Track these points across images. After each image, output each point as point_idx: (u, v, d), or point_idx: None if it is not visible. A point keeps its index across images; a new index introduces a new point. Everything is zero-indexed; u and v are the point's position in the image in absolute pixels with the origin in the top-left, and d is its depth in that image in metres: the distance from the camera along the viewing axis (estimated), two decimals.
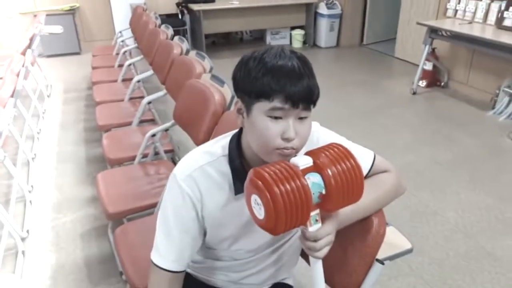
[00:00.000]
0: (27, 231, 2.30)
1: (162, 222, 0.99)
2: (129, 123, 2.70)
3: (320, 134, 1.02)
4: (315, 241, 0.84)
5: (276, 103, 0.82)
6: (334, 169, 0.81)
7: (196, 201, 0.95)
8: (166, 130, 2.30)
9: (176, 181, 0.95)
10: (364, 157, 1.04)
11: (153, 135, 2.24)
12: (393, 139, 3.45)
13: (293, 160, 0.83)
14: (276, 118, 0.84)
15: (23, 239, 2.23)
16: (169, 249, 0.98)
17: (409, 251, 1.20)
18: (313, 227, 0.84)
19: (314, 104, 0.87)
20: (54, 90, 4.62)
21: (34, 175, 2.90)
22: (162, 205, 1.00)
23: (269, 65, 0.83)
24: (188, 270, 1.16)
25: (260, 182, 0.76)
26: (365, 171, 1.03)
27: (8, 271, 2.04)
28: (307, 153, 0.85)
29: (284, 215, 0.75)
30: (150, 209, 1.85)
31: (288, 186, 0.75)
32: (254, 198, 0.79)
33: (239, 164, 0.95)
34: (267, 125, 0.84)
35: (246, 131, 0.92)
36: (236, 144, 0.96)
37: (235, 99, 0.93)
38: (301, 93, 0.82)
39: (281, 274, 1.19)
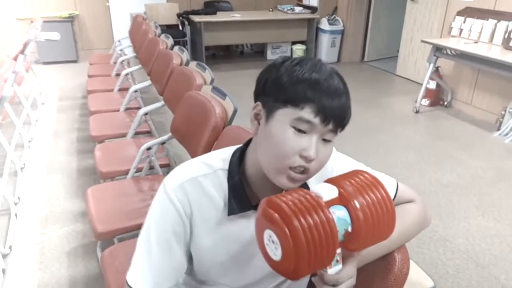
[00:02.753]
0: (10, 247, 2.15)
1: (143, 239, 0.84)
2: (124, 135, 2.57)
3: (336, 161, 0.91)
4: (334, 285, 0.72)
5: (305, 113, 0.73)
6: (363, 200, 0.68)
7: (185, 217, 0.82)
8: (163, 143, 2.17)
9: (165, 191, 0.82)
10: (386, 184, 0.92)
11: (149, 148, 2.12)
12: (396, 158, 3.34)
13: (315, 189, 0.70)
14: (300, 131, 0.74)
15: (4, 256, 2.08)
16: (147, 270, 0.83)
17: None
18: (333, 269, 0.72)
19: (343, 127, 0.77)
20: (48, 98, 4.49)
21: (21, 186, 2.75)
22: (147, 218, 0.85)
23: (306, 75, 0.74)
24: None
25: (276, 215, 0.63)
26: None
27: None
28: (327, 181, 0.73)
29: (306, 256, 0.62)
30: None
31: (310, 220, 0.62)
32: (268, 234, 0.65)
33: (239, 181, 0.83)
34: (288, 136, 0.74)
35: (258, 141, 0.80)
36: (239, 158, 0.85)
37: (255, 103, 0.81)
38: (335, 109, 0.73)
39: None
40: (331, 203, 0.68)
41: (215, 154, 0.89)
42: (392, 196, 0.91)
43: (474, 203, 2.74)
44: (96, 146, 2.38)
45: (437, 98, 4.59)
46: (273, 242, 0.65)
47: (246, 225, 0.85)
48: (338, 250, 0.71)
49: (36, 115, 3.85)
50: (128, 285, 0.84)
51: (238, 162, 0.84)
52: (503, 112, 3.85)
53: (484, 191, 2.89)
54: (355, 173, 0.75)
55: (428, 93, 4.50)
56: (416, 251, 2.24)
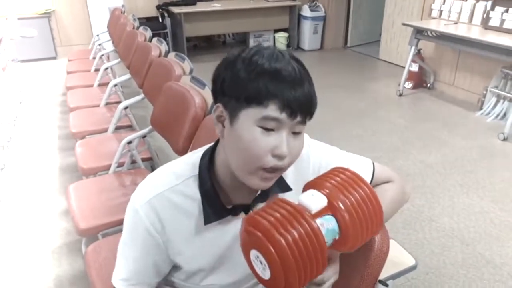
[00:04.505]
0: None
1: (121, 247, 0.85)
2: (105, 130, 2.53)
3: (311, 150, 0.89)
4: (319, 285, 0.73)
5: (271, 111, 0.68)
6: (348, 203, 0.65)
7: (155, 233, 0.79)
8: (144, 136, 2.14)
9: (134, 208, 0.80)
10: (363, 169, 0.92)
11: (129, 142, 2.09)
12: (381, 141, 3.35)
13: (303, 200, 0.67)
14: (267, 130, 0.70)
15: None
16: (130, 274, 0.84)
17: (413, 268, 1.09)
18: None
19: (311, 116, 0.74)
20: (27, 96, 4.40)
21: (2, 186, 2.69)
22: (123, 229, 0.85)
23: (265, 67, 0.69)
24: None
25: (259, 233, 0.60)
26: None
27: None
28: (310, 185, 0.70)
29: (296, 272, 0.59)
30: None
31: (295, 234, 0.59)
32: (255, 254, 0.63)
33: (210, 186, 0.79)
34: (256, 137, 0.70)
35: (226, 143, 0.76)
36: (208, 162, 0.80)
37: (215, 105, 0.77)
38: (301, 100, 0.69)
39: None
40: (320, 214, 0.66)
41: (184, 159, 0.85)
42: (368, 178, 0.91)
43: (459, 182, 2.77)
44: (77, 143, 2.34)
45: (420, 81, 4.61)
46: (260, 262, 0.62)
47: (224, 229, 0.83)
48: None
49: (14, 114, 3.77)
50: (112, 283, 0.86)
51: (207, 165, 0.80)
52: (484, 92, 3.88)
53: (467, 169, 2.93)
54: (336, 171, 0.72)
55: (411, 75, 4.51)
56: (402, 232, 2.26)
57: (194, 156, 0.83)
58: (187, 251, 0.83)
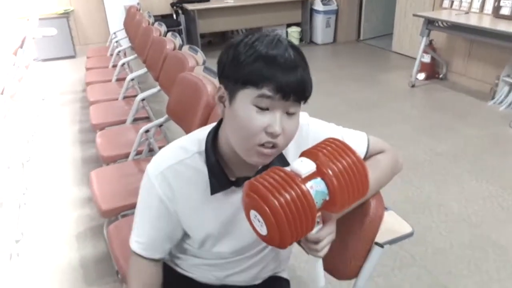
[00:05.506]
0: (21, 233, 2.25)
1: (137, 211, 0.96)
2: (123, 121, 2.65)
3: (310, 127, 0.96)
4: (316, 243, 0.80)
5: (265, 91, 0.75)
6: (335, 168, 0.73)
7: (167, 200, 0.89)
8: (160, 125, 2.25)
9: (148, 178, 0.90)
10: (358, 141, 1.00)
11: (147, 131, 2.20)
12: (393, 131, 3.41)
13: (294, 166, 0.75)
14: (262, 109, 0.76)
15: (17, 241, 2.18)
16: (145, 239, 0.95)
17: (409, 234, 1.15)
18: (314, 229, 0.79)
19: (306, 100, 0.80)
20: (49, 93, 4.58)
21: (28, 177, 2.85)
22: (139, 196, 0.95)
23: (262, 52, 0.75)
24: (171, 264, 1.11)
25: (256, 196, 0.70)
26: (361, 155, 0.98)
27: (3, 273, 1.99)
28: (303, 154, 0.78)
29: (287, 229, 0.69)
30: None
31: (288, 196, 0.68)
32: (254, 214, 0.72)
33: (215, 161, 0.87)
34: (251, 116, 0.76)
35: (226, 122, 0.84)
36: (213, 139, 0.88)
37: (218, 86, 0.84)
38: (293, 84, 0.75)
39: (273, 268, 1.13)
40: (309, 177, 0.73)
41: (191, 136, 0.93)
42: (364, 150, 0.99)
43: (468, 168, 2.81)
44: (97, 133, 2.46)
45: (432, 71, 4.62)
46: (258, 220, 0.71)
47: (228, 199, 0.92)
48: (318, 213, 0.78)
49: (37, 110, 3.94)
50: (131, 249, 0.97)
51: (212, 142, 0.88)
52: (496, 81, 3.89)
53: (478, 156, 2.96)
54: (327, 142, 0.79)
55: (423, 67, 4.53)
56: (411, 216, 2.32)
57: (201, 134, 0.91)
58: (195, 219, 0.92)
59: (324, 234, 0.81)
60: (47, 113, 4.02)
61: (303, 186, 0.70)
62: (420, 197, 2.51)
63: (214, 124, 0.92)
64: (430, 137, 3.29)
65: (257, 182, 0.71)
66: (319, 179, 0.74)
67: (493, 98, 3.90)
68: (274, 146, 0.79)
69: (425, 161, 2.92)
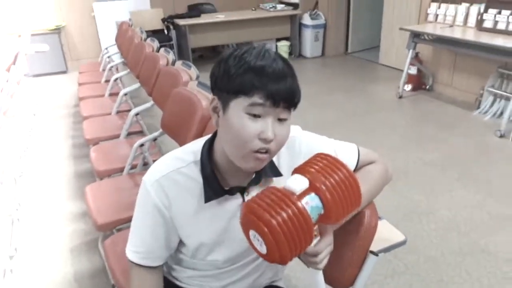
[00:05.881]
0: (15, 249, 2.25)
1: (134, 222, 0.99)
2: (117, 136, 2.67)
3: (302, 140, 1.00)
4: (315, 256, 0.83)
5: (256, 99, 0.79)
6: (329, 183, 0.77)
7: (164, 208, 0.92)
8: (155, 139, 2.28)
9: (145, 187, 0.93)
10: (349, 153, 1.04)
11: (142, 145, 2.23)
12: (381, 141, 3.47)
13: (288, 184, 0.78)
14: (254, 116, 0.80)
15: (11, 257, 2.18)
16: (143, 248, 0.98)
17: (402, 243, 1.19)
18: (313, 243, 0.82)
19: (295, 106, 0.85)
20: (41, 108, 4.58)
21: (21, 192, 2.85)
22: (135, 208, 0.98)
23: (251, 64, 0.80)
24: (169, 277, 1.13)
25: (255, 218, 0.73)
26: (352, 167, 1.03)
27: None
28: (296, 171, 0.81)
29: (287, 245, 0.72)
30: None
31: (285, 215, 0.71)
32: (253, 234, 0.75)
33: (210, 171, 0.91)
34: (244, 123, 0.80)
35: (221, 131, 0.88)
36: (208, 150, 0.92)
37: (211, 97, 0.88)
38: (283, 92, 0.80)
39: (269, 277, 1.16)
40: (304, 194, 0.76)
41: (187, 147, 0.97)
42: (355, 161, 1.03)
43: (456, 177, 2.87)
44: (91, 148, 2.48)
45: (419, 83, 4.73)
46: (258, 240, 0.74)
47: (222, 207, 0.95)
48: (315, 227, 0.80)
49: (29, 126, 3.94)
50: (129, 259, 0.99)
51: (207, 153, 0.92)
52: (481, 91, 3.99)
53: (465, 165, 3.03)
54: (318, 157, 0.82)
55: (410, 78, 4.64)
56: (401, 224, 2.37)
57: (196, 145, 0.95)
58: (190, 227, 0.95)
59: (323, 246, 0.84)
60: (40, 128, 4.03)
61: (298, 204, 0.73)
62: (410, 206, 2.56)
63: (208, 136, 0.96)
64: (418, 147, 3.36)
65: (254, 203, 0.74)
66: (313, 194, 0.77)
67: (478, 108, 4.00)
68: (267, 151, 0.83)
69: (413, 170, 2.98)
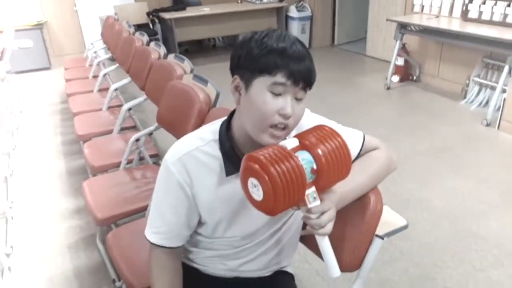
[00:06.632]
0: (11, 247, 2.22)
1: (154, 203, 1.02)
2: (110, 131, 2.66)
3: (310, 120, 1.04)
4: (318, 217, 0.87)
5: (279, 77, 0.85)
6: (323, 146, 0.84)
7: (185, 185, 0.96)
8: (150, 134, 2.27)
9: (166, 165, 0.97)
10: (354, 137, 1.08)
11: (137, 140, 2.22)
12: (371, 133, 3.41)
13: (281, 143, 0.85)
14: (275, 94, 0.86)
15: (7, 255, 2.15)
16: (164, 228, 1.01)
17: (404, 227, 1.24)
18: (313, 204, 0.87)
19: (311, 86, 0.91)
20: (26, 105, 4.50)
21: (13, 191, 2.81)
22: (155, 187, 1.02)
23: (274, 46, 0.86)
24: (185, 261, 1.16)
25: (256, 165, 0.79)
26: (357, 150, 1.07)
27: None
28: (296, 136, 0.88)
29: (282, 193, 0.78)
30: (140, 213, 1.82)
31: (283, 166, 0.78)
32: (251, 181, 0.81)
33: (229, 147, 0.96)
34: (266, 100, 0.86)
35: (242, 108, 0.93)
36: (226, 128, 0.98)
37: (233, 77, 0.93)
38: (303, 72, 0.86)
39: (280, 260, 1.19)
40: (294, 150, 0.84)
41: (205, 127, 1.03)
42: (359, 145, 1.08)
43: (446, 165, 2.94)
44: (85, 144, 2.46)
45: (406, 74, 4.80)
46: (255, 186, 0.80)
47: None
48: (313, 189, 0.86)
49: (16, 124, 3.88)
50: (149, 241, 1.03)
51: (226, 131, 0.97)
52: (467, 81, 4.07)
53: (455, 154, 3.10)
54: (318, 127, 0.90)
55: (397, 69, 4.70)
56: (398, 213, 2.41)
57: (214, 125, 1.00)
58: (210, 202, 0.99)
59: (325, 207, 0.88)
60: (27, 126, 3.96)
61: (296, 159, 0.81)
62: (403, 195, 2.61)
63: (224, 118, 1.01)
64: (408, 137, 3.42)
65: (257, 154, 0.81)
66: (304, 151, 0.85)
67: (464, 97, 4.09)
68: (285, 127, 0.89)
69: (405, 161, 3.03)
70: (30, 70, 5.79)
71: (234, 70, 0.93)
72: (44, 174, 3.02)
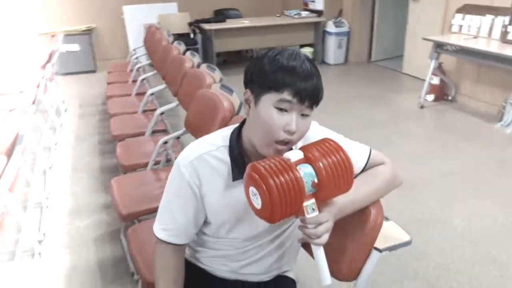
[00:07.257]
0: (44, 234, 2.39)
1: (165, 201, 1.09)
2: (142, 133, 2.80)
3: (317, 132, 1.08)
4: (314, 228, 0.91)
5: (285, 95, 0.90)
6: (325, 161, 0.89)
7: (195, 186, 1.03)
8: (178, 137, 2.39)
9: (178, 167, 1.04)
10: (360, 151, 1.12)
11: (165, 142, 2.34)
12: (401, 150, 3.50)
13: (286, 154, 0.91)
14: (281, 110, 0.92)
15: (39, 242, 2.32)
16: (173, 225, 1.08)
17: (407, 243, 1.25)
18: (311, 215, 0.91)
19: (317, 104, 0.96)
20: (70, 105, 4.78)
21: (50, 183, 3.00)
22: (166, 186, 1.09)
23: (284, 63, 0.91)
24: (192, 260, 1.22)
25: (256, 175, 0.85)
26: (362, 164, 1.10)
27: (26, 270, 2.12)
28: (301, 148, 0.93)
29: (279, 204, 0.83)
30: None
31: (282, 178, 0.83)
32: (252, 189, 0.87)
33: (238, 153, 1.03)
34: (273, 116, 0.92)
35: (250, 121, 1.00)
36: (236, 136, 1.04)
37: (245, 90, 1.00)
38: (309, 90, 0.91)
39: (282, 265, 1.23)
40: (298, 162, 0.89)
41: (217, 133, 1.09)
42: (365, 160, 1.11)
43: (473, 188, 2.88)
44: (118, 144, 2.61)
45: (441, 93, 4.72)
46: (255, 195, 0.87)
47: None
48: (313, 200, 0.91)
49: (60, 121, 4.13)
50: (156, 236, 1.11)
51: (236, 138, 1.04)
52: (504, 104, 3.97)
53: (483, 177, 3.03)
54: (322, 141, 0.94)
55: (432, 88, 4.64)
56: (415, 230, 2.40)
57: (226, 132, 1.07)
58: (217, 204, 1.06)
59: (322, 218, 0.92)
60: (69, 124, 4.21)
61: (296, 172, 0.86)
62: (425, 214, 2.59)
63: (236, 125, 1.08)
64: (437, 157, 3.37)
65: (259, 165, 0.87)
66: (307, 164, 0.89)
67: (500, 120, 3.98)
68: (288, 142, 0.94)
69: (432, 180, 3.00)
70: (77, 72, 6.14)
71: (247, 84, 0.99)
72: (80, 170, 3.22)
